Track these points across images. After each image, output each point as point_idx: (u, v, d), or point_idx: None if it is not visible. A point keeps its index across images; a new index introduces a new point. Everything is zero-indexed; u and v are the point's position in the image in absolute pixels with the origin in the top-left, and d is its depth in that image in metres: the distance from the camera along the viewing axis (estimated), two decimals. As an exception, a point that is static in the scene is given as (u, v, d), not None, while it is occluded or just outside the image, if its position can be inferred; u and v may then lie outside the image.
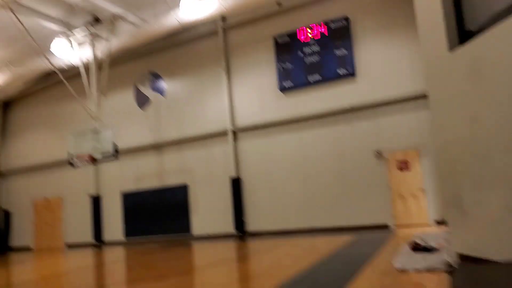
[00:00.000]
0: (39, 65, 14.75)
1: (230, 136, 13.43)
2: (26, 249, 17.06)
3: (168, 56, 15.10)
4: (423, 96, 10.95)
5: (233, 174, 13.22)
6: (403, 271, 5.05)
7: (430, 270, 4.89)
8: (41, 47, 13.76)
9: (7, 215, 17.99)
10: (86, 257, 11.46)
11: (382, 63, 11.68)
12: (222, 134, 13.67)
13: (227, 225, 13.23)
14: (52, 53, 14.23)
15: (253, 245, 10.33)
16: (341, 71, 12.03)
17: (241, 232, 12.89)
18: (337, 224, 11.67)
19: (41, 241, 16.96)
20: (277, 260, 7.10)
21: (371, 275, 5.05)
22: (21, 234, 17.64)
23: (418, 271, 4.95)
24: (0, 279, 8.63)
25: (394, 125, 11.35)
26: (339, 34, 12.19)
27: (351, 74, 11.92)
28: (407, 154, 11.08)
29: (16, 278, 8.64)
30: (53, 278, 8.01)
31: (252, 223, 12.95)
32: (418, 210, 10.75)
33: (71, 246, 16.13)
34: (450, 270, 4.42)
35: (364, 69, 11.90)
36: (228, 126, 13.49)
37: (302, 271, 5.84)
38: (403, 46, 11.40)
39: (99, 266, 9.18)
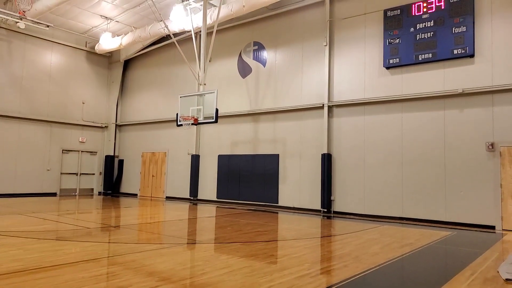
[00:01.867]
0: (157, 29, 16.03)
1: (325, 111, 13.20)
2: (133, 195, 19.19)
3: (272, 26, 15.13)
4: (558, 86, 9.51)
5: (324, 150, 13.08)
6: (510, 281, 4.61)
7: (541, 286, 4.38)
8: (161, 13, 14.89)
9: (121, 163, 20.31)
10: (184, 210, 12.52)
11: (508, 44, 10.27)
12: (317, 108, 13.49)
13: (314, 201, 13.27)
14: (169, 19, 15.27)
15: (339, 225, 10.26)
16: (457, 50, 10.88)
17: (328, 210, 12.85)
18: (433, 218, 10.94)
19: (146, 190, 18.91)
20: (364, 245, 6.98)
21: (471, 279, 4.70)
22: (130, 182, 19.84)
23: (526, 284, 4.47)
24: (111, 221, 9.88)
25: (515, 115, 10.05)
26: (459, 9, 10.95)
27: (469, 54, 10.71)
28: (527, 150, 9.79)
29: (124, 220, 9.82)
30: (154, 224, 8.94)
31: (339, 203, 12.80)
32: (532, 215, 9.56)
33: (170, 198, 17.71)
34: None
35: (484, 49, 10.61)
36: (325, 100, 13.24)
37: (390, 261, 5.66)
38: (540, 25, 9.85)
39: (194, 220, 9.97)
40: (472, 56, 10.72)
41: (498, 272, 5.06)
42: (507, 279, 4.67)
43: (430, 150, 11.23)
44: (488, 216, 10.12)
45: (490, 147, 10.24)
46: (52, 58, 18.37)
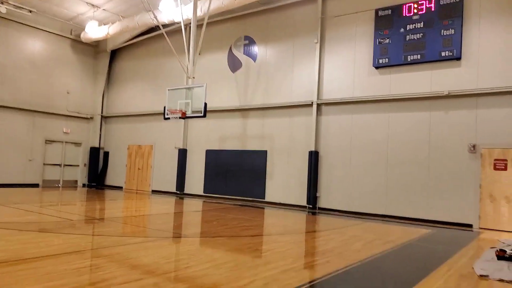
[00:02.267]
0: (146, 19, 15.80)
1: (314, 109, 13.27)
2: (118, 188, 19.02)
3: (263, 21, 15.11)
4: (540, 91, 9.75)
5: (312, 147, 13.17)
6: (484, 277, 4.75)
7: (517, 284, 4.52)
8: (150, 3, 14.68)
9: (106, 155, 20.09)
10: (170, 204, 12.48)
11: (494, 49, 10.47)
12: (306, 105, 13.55)
13: (300, 197, 13.36)
14: (159, 9, 15.09)
15: (324, 221, 10.36)
16: (445, 52, 11.05)
17: (313, 206, 12.96)
18: (415, 216, 11.15)
19: (131, 183, 18.75)
20: (347, 242, 7.07)
21: (448, 276, 4.82)
22: (115, 174, 19.65)
23: (502, 281, 4.61)
24: (95, 213, 9.80)
25: (497, 118, 10.27)
26: (448, 11, 11.11)
27: (456, 57, 10.89)
28: (507, 153, 10.03)
29: (109, 213, 9.75)
30: (139, 217, 8.90)
31: (325, 199, 12.92)
32: (510, 216, 9.80)
33: (156, 192, 17.61)
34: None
35: (471, 53, 10.79)
36: (314, 98, 13.31)
37: (372, 258, 5.76)
38: (525, 31, 10.06)
39: (180, 214, 9.96)
40: (459, 59, 10.90)
41: (473, 268, 5.20)
42: (481, 275, 4.81)
43: (415, 150, 11.41)
44: (466, 215, 10.36)
45: (472, 148, 10.46)
46: (35, 45, 17.96)
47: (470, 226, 10.24)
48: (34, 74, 17.88)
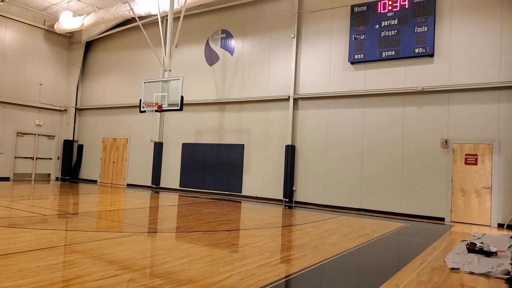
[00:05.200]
0: (122, 11, 15.50)
1: (291, 103, 13.35)
2: (92, 182, 18.65)
3: (241, 15, 15.03)
4: (508, 87, 10.11)
5: (289, 141, 13.26)
6: (455, 270, 4.92)
7: (486, 275, 4.71)
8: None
9: (80, 148, 19.64)
10: (145, 198, 12.34)
11: (465, 46, 10.78)
12: (283, 100, 13.62)
13: (276, 191, 13.47)
14: (135, 1, 14.79)
15: (300, 215, 10.49)
16: (418, 49, 11.30)
17: (289, 200, 13.08)
18: (389, 209, 11.43)
19: (106, 177, 18.42)
20: (323, 235, 7.19)
21: (420, 268, 4.98)
22: (89, 168, 19.24)
23: (472, 273, 4.79)
24: (69, 208, 9.59)
25: (468, 114, 10.61)
26: (421, 8, 11.35)
27: (429, 53, 11.16)
28: (478, 148, 10.39)
29: (83, 207, 9.56)
30: (114, 212, 8.77)
31: (301, 193, 13.07)
32: (480, 209, 10.17)
33: (131, 186, 17.37)
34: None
35: (444, 50, 11.08)
36: (290, 92, 13.38)
37: (347, 251, 5.88)
38: (494, 29, 10.39)
39: (156, 208, 9.87)
40: (432, 55, 11.17)
41: (444, 261, 5.38)
42: (452, 268, 4.98)
43: (389, 144, 11.66)
44: (439, 209, 10.70)
45: (444, 143, 10.77)
46: (6, 35, 17.31)
47: (443, 219, 10.57)
48: (5, 64, 17.25)
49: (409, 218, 10.69)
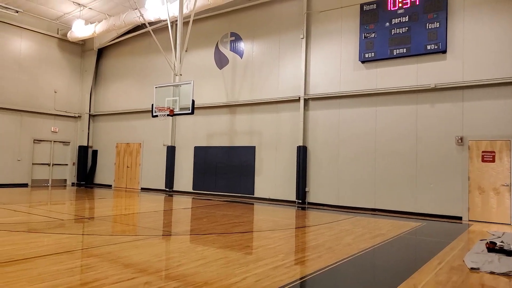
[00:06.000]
0: (132, 18, 15.70)
1: (301, 104, 13.32)
2: (107, 186, 18.87)
3: (249, 18, 15.07)
4: (523, 83, 9.92)
5: (300, 142, 13.23)
6: (474, 270, 4.84)
7: (507, 274, 4.62)
8: (136, 1, 14.56)
9: (94, 154, 19.91)
10: (159, 201, 12.44)
11: (479, 41, 10.62)
12: (293, 101, 13.60)
13: (289, 192, 13.44)
14: (145, 7, 14.96)
15: (313, 216, 10.44)
16: (430, 45, 11.17)
17: (302, 201, 13.04)
18: (404, 209, 11.30)
19: (120, 181, 18.63)
20: (337, 236, 7.15)
21: (438, 268, 4.91)
22: (104, 173, 19.49)
23: (492, 273, 4.71)
24: (85, 212, 9.72)
25: (483, 110, 10.43)
26: (432, 5, 11.22)
27: (441, 50, 11.02)
28: (495, 145, 10.21)
29: (99, 211, 9.68)
30: (129, 215, 8.86)
31: (314, 194, 13.01)
32: (499, 207, 9.97)
33: (145, 190, 17.52)
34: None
35: (456, 46, 10.93)
36: (301, 93, 13.35)
37: (363, 252, 5.84)
38: (508, 24, 10.21)
39: (170, 211, 9.94)
40: (444, 52, 11.02)
41: (463, 261, 5.30)
42: (472, 268, 4.90)
43: (402, 143, 11.54)
44: (455, 208, 10.53)
45: (460, 141, 10.61)
46: (21, 45, 17.70)
47: (460, 218, 10.40)
48: (21, 73, 17.62)
49: (424, 218, 10.55)
